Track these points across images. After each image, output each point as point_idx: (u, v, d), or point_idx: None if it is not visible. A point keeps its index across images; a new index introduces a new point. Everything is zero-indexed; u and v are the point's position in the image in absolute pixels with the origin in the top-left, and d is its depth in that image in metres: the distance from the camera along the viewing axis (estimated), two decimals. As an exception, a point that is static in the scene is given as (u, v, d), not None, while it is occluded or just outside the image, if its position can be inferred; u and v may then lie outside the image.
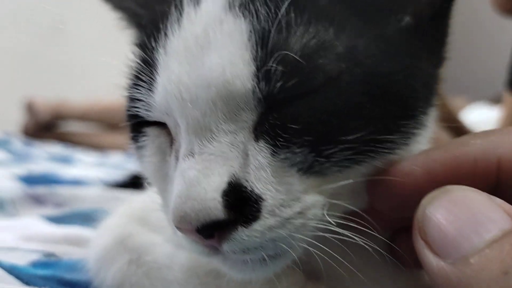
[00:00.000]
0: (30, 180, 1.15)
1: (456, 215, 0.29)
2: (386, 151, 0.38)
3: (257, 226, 0.35)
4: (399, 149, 0.39)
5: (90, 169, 1.68)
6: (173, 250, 0.49)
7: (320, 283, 0.44)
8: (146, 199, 0.62)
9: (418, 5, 0.42)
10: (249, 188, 0.36)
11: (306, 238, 0.38)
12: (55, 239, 0.67)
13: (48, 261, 0.59)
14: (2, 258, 0.55)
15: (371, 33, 0.39)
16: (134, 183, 1.16)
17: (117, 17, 0.53)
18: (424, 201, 0.32)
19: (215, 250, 0.37)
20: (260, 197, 0.36)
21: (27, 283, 0.49)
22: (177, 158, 0.40)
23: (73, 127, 2.73)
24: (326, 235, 0.38)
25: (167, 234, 0.52)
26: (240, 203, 0.35)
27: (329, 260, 0.39)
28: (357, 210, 0.39)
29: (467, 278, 0.27)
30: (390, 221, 0.41)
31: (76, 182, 1.27)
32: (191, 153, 0.37)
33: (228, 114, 0.37)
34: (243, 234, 0.35)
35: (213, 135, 0.37)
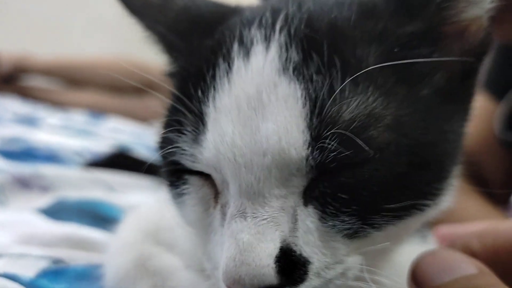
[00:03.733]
0: (9, 153, 1.13)
1: (435, 263, 0.41)
2: (419, 213, 0.41)
3: (303, 287, 0.37)
4: (430, 209, 0.42)
5: (59, 134, 1.64)
6: (194, 277, 0.51)
7: None
8: (156, 210, 0.63)
9: (450, 65, 0.43)
10: (298, 252, 0.37)
11: None
12: (57, 240, 0.67)
13: (58, 269, 0.59)
14: (15, 270, 0.55)
15: (413, 101, 0.40)
16: (116, 162, 1.15)
17: (145, 35, 0.51)
18: (419, 255, 0.43)
19: None
20: (308, 260, 0.38)
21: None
22: (223, 213, 0.41)
23: (34, 82, 2.62)
24: None
25: (184, 256, 0.54)
26: (289, 266, 0.37)
27: None
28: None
29: None
30: None
31: (52, 158, 1.25)
32: (243, 216, 0.38)
33: (280, 180, 0.38)
34: None
35: (266, 200, 0.38)
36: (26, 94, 2.46)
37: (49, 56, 2.51)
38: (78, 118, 2.22)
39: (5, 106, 2.05)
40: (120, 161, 1.18)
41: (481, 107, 1.29)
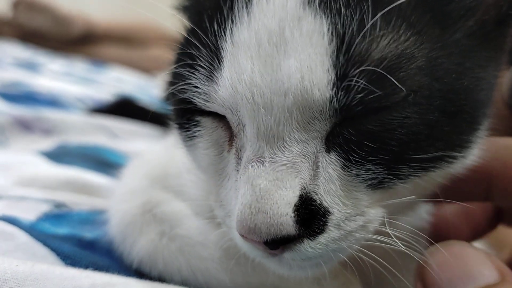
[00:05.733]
0: (10, 96, 1.09)
1: (450, 266, 0.35)
2: (447, 166, 0.38)
3: (322, 239, 0.35)
4: (458, 163, 0.39)
5: (60, 80, 1.60)
6: (204, 225, 0.48)
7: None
8: (163, 155, 0.60)
9: (485, 9, 0.39)
10: (318, 202, 0.35)
11: (360, 248, 0.38)
12: (60, 184, 0.65)
13: (60, 213, 0.57)
14: (15, 213, 0.53)
15: (448, 43, 0.36)
16: (120, 109, 1.12)
17: None
18: (429, 250, 0.37)
19: (273, 255, 0.37)
20: (328, 211, 0.35)
21: (55, 251, 0.47)
22: (238, 157, 0.38)
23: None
24: (378, 244, 0.38)
25: (193, 203, 0.51)
26: (308, 216, 0.34)
27: (375, 264, 0.40)
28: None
29: None
30: None
31: (54, 102, 1.21)
32: (261, 160, 0.35)
33: (302, 123, 0.35)
34: (308, 246, 0.35)
35: (285, 144, 0.35)
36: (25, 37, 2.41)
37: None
38: (80, 65, 2.17)
39: (5, 50, 2.00)
40: (125, 109, 1.15)
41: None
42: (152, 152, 0.63)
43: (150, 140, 1.00)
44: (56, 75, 1.73)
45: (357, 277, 0.44)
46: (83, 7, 2.61)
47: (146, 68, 2.40)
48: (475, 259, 0.35)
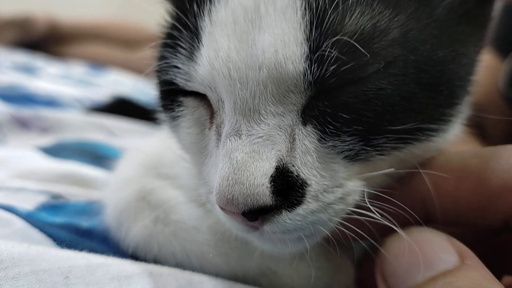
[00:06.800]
0: (8, 97, 1.10)
1: (407, 255, 0.34)
2: (426, 138, 0.38)
3: (300, 210, 0.36)
4: (438, 136, 0.39)
5: (58, 83, 1.61)
6: (197, 210, 0.49)
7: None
8: (157, 145, 0.61)
9: None
10: (295, 173, 0.36)
11: (341, 220, 0.38)
12: (57, 177, 0.66)
13: (57, 204, 0.58)
14: (12, 203, 0.54)
15: (424, 16, 0.37)
16: (117, 108, 1.13)
17: None
18: (388, 239, 0.37)
19: (254, 228, 0.38)
20: (305, 182, 0.36)
21: (52, 237, 0.48)
22: (218, 134, 0.39)
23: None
24: (358, 217, 0.38)
25: (187, 190, 0.52)
26: (286, 187, 0.35)
27: (355, 237, 0.40)
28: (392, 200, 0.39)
29: None
30: None
31: (52, 103, 1.22)
32: (238, 134, 0.36)
33: (277, 96, 0.36)
34: (286, 218, 0.36)
35: (261, 117, 0.36)
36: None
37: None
38: (78, 69, 2.18)
39: (4, 54, 2.01)
40: (122, 108, 1.16)
41: (487, 63, 1.26)
42: (147, 143, 0.64)
43: (146, 138, 1.01)
44: (54, 78, 1.74)
45: (350, 261, 0.45)
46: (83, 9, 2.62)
47: (139, 69, 2.41)
48: (433, 244, 0.34)
